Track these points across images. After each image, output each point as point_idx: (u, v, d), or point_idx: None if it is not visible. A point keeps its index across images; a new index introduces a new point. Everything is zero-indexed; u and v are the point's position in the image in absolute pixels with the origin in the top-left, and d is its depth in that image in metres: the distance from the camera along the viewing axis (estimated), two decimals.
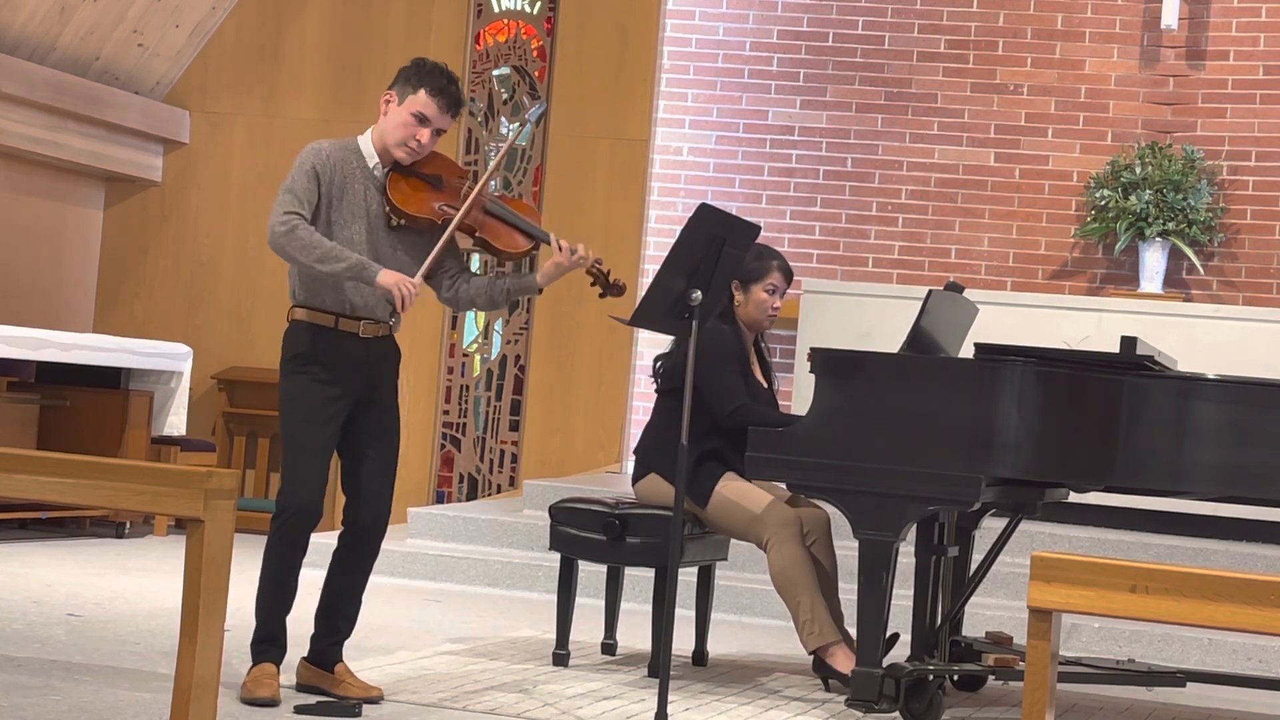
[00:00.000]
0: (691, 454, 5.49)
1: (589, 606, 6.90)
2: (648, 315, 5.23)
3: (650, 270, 9.84)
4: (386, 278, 4.97)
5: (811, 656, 5.92)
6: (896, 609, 5.71)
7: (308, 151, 5.09)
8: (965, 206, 10.09)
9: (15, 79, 9.32)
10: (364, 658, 5.72)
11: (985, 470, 5.35)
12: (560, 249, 5.24)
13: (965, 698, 6.03)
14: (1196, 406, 5.24)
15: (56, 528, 9.13)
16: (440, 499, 10.23)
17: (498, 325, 10.32)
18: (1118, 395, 5.27)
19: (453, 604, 7.59)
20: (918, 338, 5.61)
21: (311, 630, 5.22)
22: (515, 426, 10.22)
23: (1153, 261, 9.54)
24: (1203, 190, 9.52)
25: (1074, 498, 6.56)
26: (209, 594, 3.59)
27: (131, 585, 7.31)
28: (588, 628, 6.64)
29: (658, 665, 5.57)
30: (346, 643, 5.27)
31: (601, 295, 5.42)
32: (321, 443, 5.08)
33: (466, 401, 10.30)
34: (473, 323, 10.35)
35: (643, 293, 5.32)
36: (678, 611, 5.39)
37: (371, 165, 5.17)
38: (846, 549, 5.91)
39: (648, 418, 6.38)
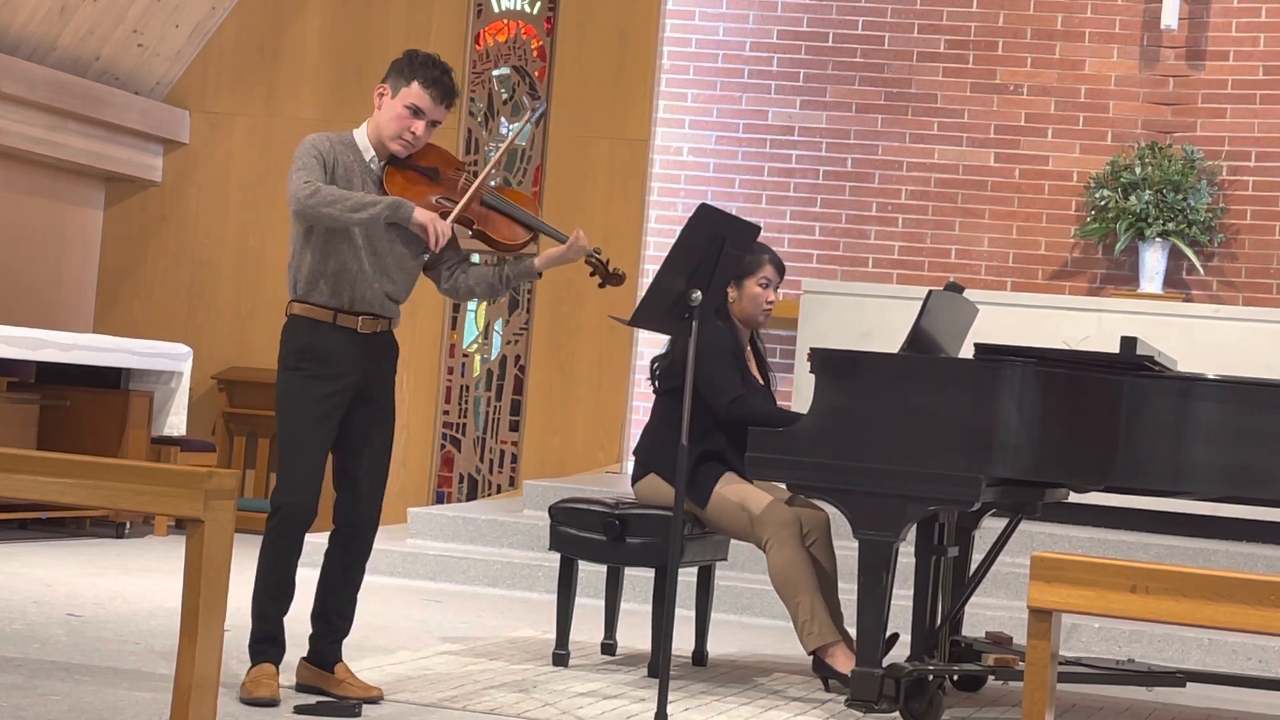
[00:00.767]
0: (691, 454, 5.49)
1: (589, 606, 6.90)
2: (648, 315, 5.23)
3: (650, 270, 9.84)
4: (422, 213, 5.02)
5: (811, 657, 5.92)
6: (896, 609, 5.71)
7: (308, 142, 5.10)
8: (965, 207, 10.10)
9: (15, 79, 9.32)
10: (364, 658, 5.72)
11: (985, 470, 5.35)
12: (567, 240, 5.26)
13: (965, 698, 6.03)
14: (1196, 406, 5.24)
15: (56, 528, 9.13)
16: (440, 499, 10.23)
17: (498, 325, 10.32)
18: (1118, 395, 5.27)
19: (453, 604, 7.59)
20: (918, 338, 5.61)
21: (310, 630, 5.22)
22: (515, 426, 10.22)
23: (1153, 262, 9.54)
24: (1203, 190, 9.52)
25: (1074, 498, 6.56)
26: (209, 594, 3.59)
27: (131, 585, 7.31)
28: (588, 628, 6.64)
29: (658, 665, 5.57)
30: (346, 643, 5.26)
31: (601, 285, 5.42)
32: (317, 441, 5.08)
33: (466, 402, 10.30)
34: (473, 323, 10.35)
35: (642, 293, 5.32)
36: (678, 611, 5.39)
37: (368, 159, 5.17)
38: (846, 549, 5.91)
39: (647, 418, 6.37)
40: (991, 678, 5.92)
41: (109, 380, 9.23)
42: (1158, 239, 9.48)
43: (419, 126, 5.13)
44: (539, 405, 10.19)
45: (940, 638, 5.71)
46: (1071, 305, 8.97)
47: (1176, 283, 9.72)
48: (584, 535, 6.08)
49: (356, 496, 5.17)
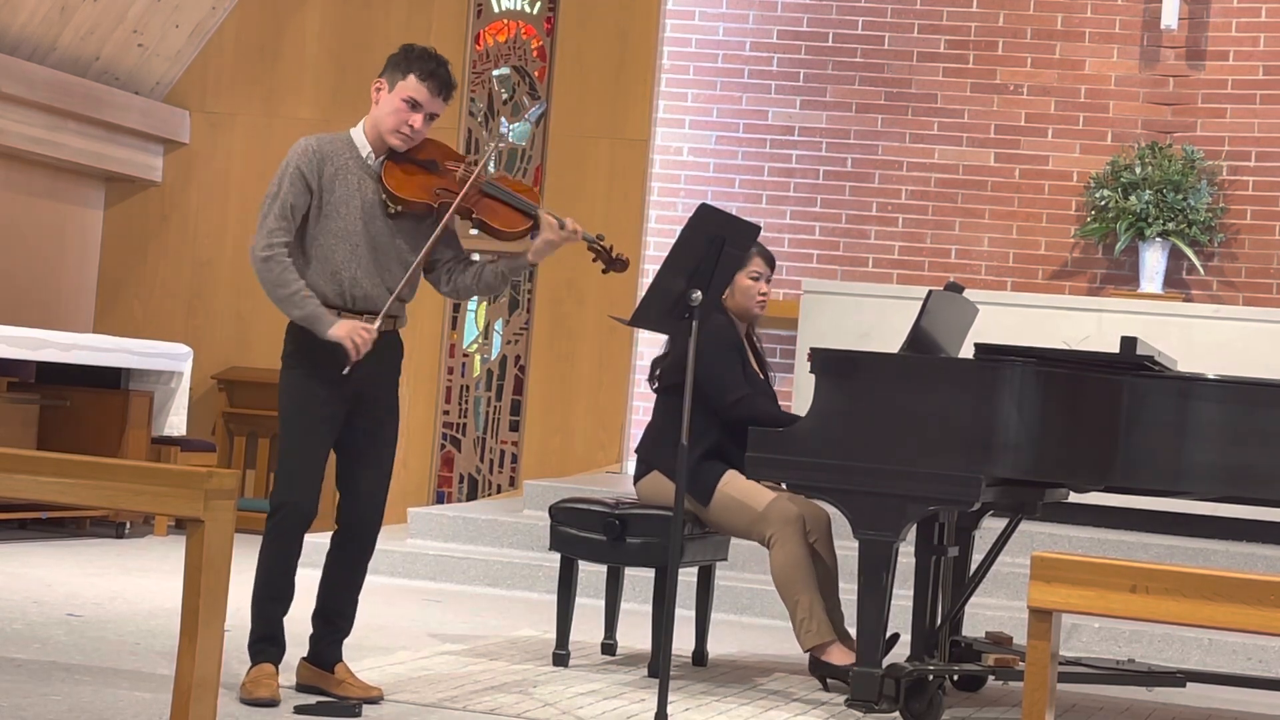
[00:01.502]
0: (693, 452, 5.49)
1: (589, 606, 6.90)
2: (648, 315, 5.23)
3: (650, 270, 9.84)
4: (339, 329, 4.99)
5: (808, 656, 5.92)
6: (896, 609, 5.71)
7: (293, 152, 5.09)
8: (965, 206, 10.09)
9: (15, 79, 9.32)
10: (364, 658, 5.72)
11: (985, 470, 5.35)
12: (544, 223, 5.23)
13: (965, 698, 6.03)
14: (1196, 406, 5.24)
15: (56, 528, 9.13)
16: (440, 499, 10.23)
17: (498, 325, 10.32)
18: (1118, 395, 5.27)
19: (453, 604, 7.59)
20: (918, 338, 5.61)
21: (310, 631, 5.22)
22: (515, 426, 10.22)
23: (1153, 261, 9.54)
24: (1203, 190, 9.52)
25: (1074, 498, 6.56)
26: (209, 594, 3.59)
27: (131, 585, 7.31)
28: (588, 628, 6.64)
29: (658, 665, 5.57)
30: (346, 643, 5.26)
31: (605, 270, 5.41)
32: (318, 440, 5.08)
33: (466, 402, 10.30)
34: (473, 323, 10.35)
35: (643, 293, 5.31)
36: (678, 611, 5.39)
37: (365, 155, 5.15)
38: (846, 549, 5.91)
39: (648, 418, 6.37)
40: (991, 678, 5.92)
41: (109, 380, 9.23)
42: (1158, 239, 9.48)
43: (417, 120, 5.12)
44: (539, 405, 10.19)
45: (940, 638, 5.71)
46: (1071, 305, 8.97)
47: (1176, 283, 9.72)
48: (584, 535, 6.08)
49: (359, 497, 5.17)
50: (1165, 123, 9.90)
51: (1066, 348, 7.19)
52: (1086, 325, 8.71)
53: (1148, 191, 9.46)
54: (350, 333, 4.99)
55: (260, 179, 10.40)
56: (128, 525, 9.20)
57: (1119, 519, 8.30)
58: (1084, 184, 9.87)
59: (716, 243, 5.13)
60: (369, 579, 5.41)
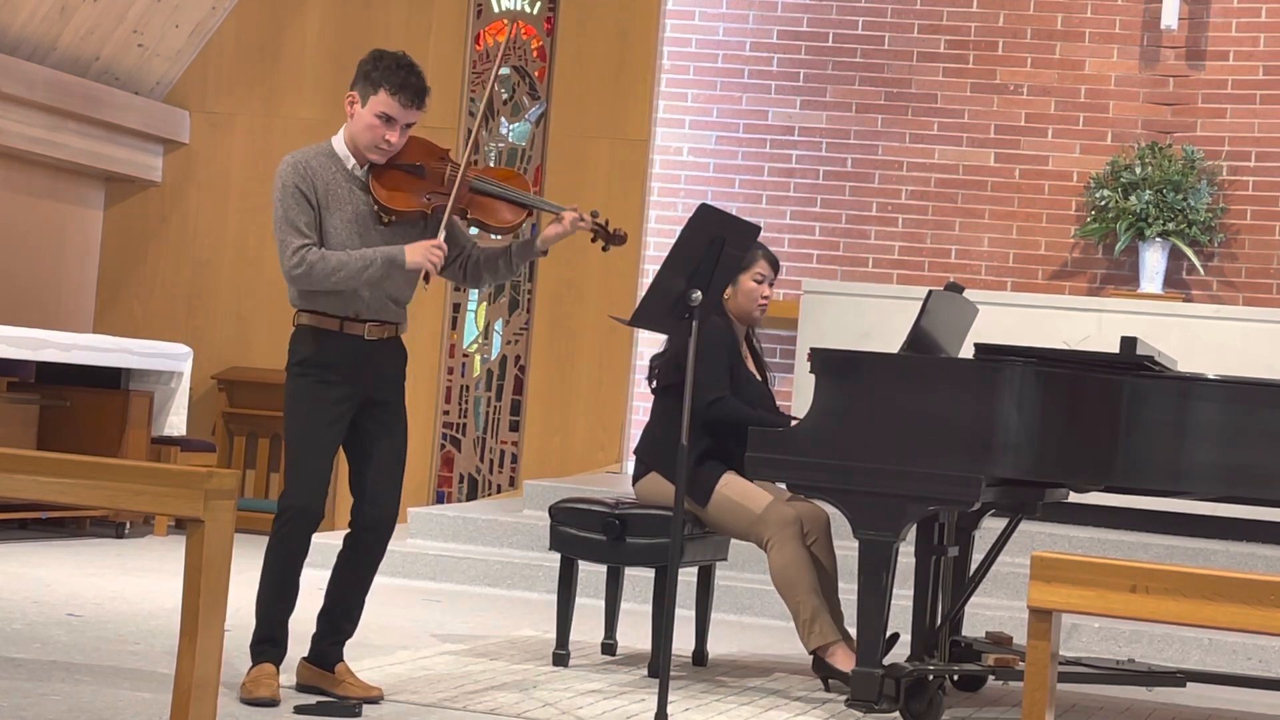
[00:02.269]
0: (692, 453, 5.49)
1: (589, 606, 6.90)
2: (648, 315, 5.23)
3: (650, 270, 9.84)
4: (413, 255, 5.01)
5: (812, 656, 5.92)
6: (896, 609, 5.71)
7: (285, 172, 5.03)
8: (965, 207, 10.09)
9: (15, 79, 9.32)
10: (364, 658, 5.72)
11: (985, 470, 5.35)
12: (557, 216, 5.25)
13: (965, 698, 6.03)
14: (1196, 406, 5.24)
15: (56, 528, 9.13)
16: (440, 499, 10.23)
17: (498, 325, 10.32)
18: (1118, 395, 5.27)
19: (453, 604, 7.59)
20: (918, 338, 5.61)
21: (313, 630, 5.22)
22: (515, 426, 10.22)
23: (1153, 262, 9.54)
24: (1203, 190, 9.52)
25: (1074, 498, 6.56)
26: (209, 594, 3.59)
27: (131, 585, 7.31)
28: (588, 628, 6.64)
29: (658, 665, 5.57)
30: (347, 642, 5.27)
31: (605, 248, 5.41)
32: (325, 445, 5.08)
33: (466, 401, 10.30)
34: (473, 323, 10.35)
35: (643, 293, 5.31)
36: (678, 611, 5.39)
37: (350, 167, 5.13)
38: (846, 549, 5.91)
39: (648, 418, 6.37)
40: (991, 678, 5.93)
41: (109, 380, 9.23)
42: (1158, 239, 9.48)
43: (393, 135, 5.08)
44: (539, 405, 10.19)
45: (940, 638, 5.71)
46: (1071, 305, 8.97)
47: (1176, 283, 9.72)
48: (584, 535, 6.08)
49: (370, 501, 5.17)
50: (1165, 123, 9.90)
51: (1066, 348, 7.20)
52: (1086, 325, 8.71)
53: (1148, 191, 9.46)
54: (425, 251, 5.01)
55: (260, 179, 10.41)
56: (128, 525, 9.20)
57: (1119, 519, 8.30)
58: (1084, 184, 9.87)
59: (716, 243, 5.14)
60: None
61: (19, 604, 6.50)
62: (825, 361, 5.53)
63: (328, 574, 5.27)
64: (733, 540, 6.32)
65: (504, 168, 5.57)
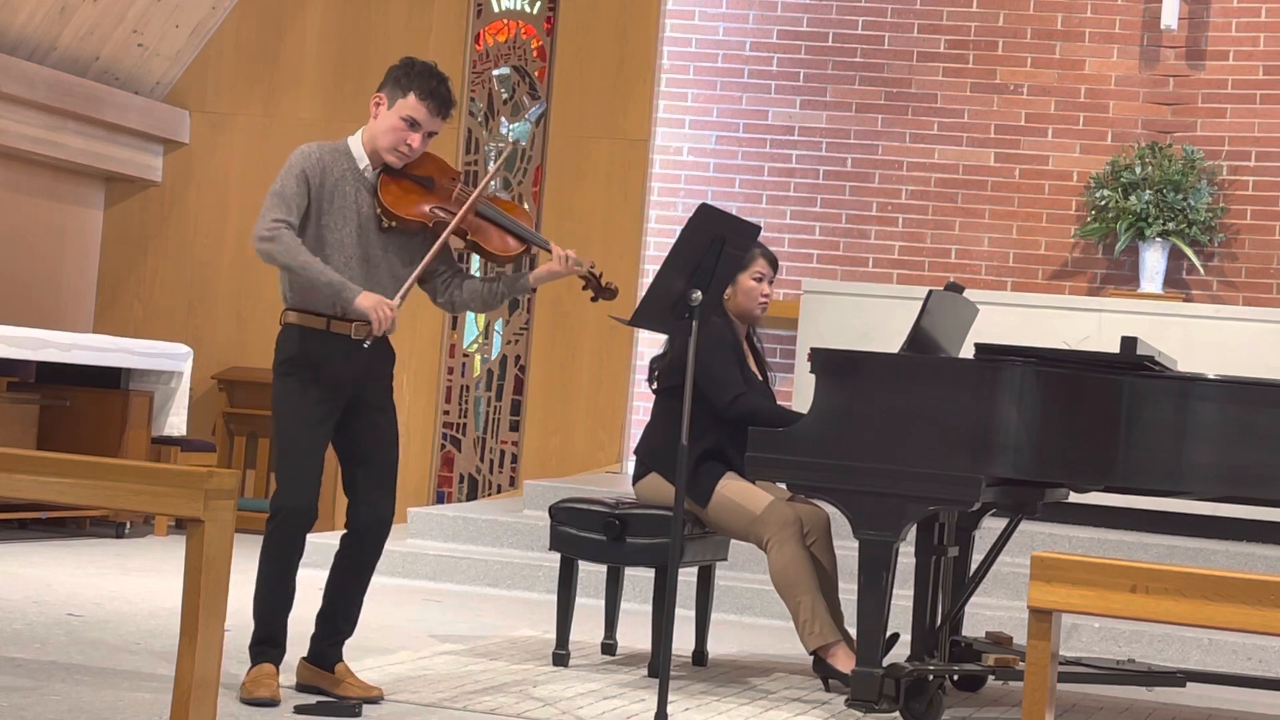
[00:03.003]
0: (692, 453, 5.49)
1: (589, 606, 6.90)
2: (648, 315, 5.23)
3: (650, 270, 9.84)
4: (365, 300, 4.97)
5: (812, 657, 5.92)
6: (896, 609, 5.71)
7: (297, 155, 5.06)
8: (965, 206, 10.10)
9: (15, 79, 9.32)
10: (364, 658, 5.72)
11: (985, 470, 5.35)
12: (555, 255, 5.24)
13: (965, 698, 6.03)
14: (1196, 406, 5.24)
15: (56, 528, 9.13)
16: (440, 499, 10.23)
17: (498, 325, 10.32)
18: (1118, 395, 5.27)
19: (453, 604, 7.59)
20: (918, 338, 5.61)
21: (312, 630, 5.22)
22: (515, 426, 10.22)
23: (1153, 261, 9.54)
24: (1203, 190, 9.52)
25: (1074, 498, 6.56)
26: (209, 594, 3.59)
27: (131, 585, 7.31)
28: (588, 628, 6.64)
29: (658, 665, 5.57)
30: (346, 643, 5.27)
31: (594, 299, 5.41)
32: (314, 443, 5.08)
33: (466, 401, 10.30)
34: (473, 323, 10.35)
35: (643, 293, 5.31)
36: (678, 611, 5.39)
37: (362, 167, 5.13)
38: (846, 549, 5.91)
39: (648, 418, 6.37)
40: (991, 678, 5.93)
41: (109, 380, 9.23)
42: (1158, 239, 9.48)
43: (415, 139, 5.09)
44: (539, 405, 10.19)
45: (940, 638, 5.71)
46: (1071, 305, 8.97)
47: (1176, 283, 9.72)
48: (584, 535, 6.08)
49: (366, 503, 5.17)
50: (1165, 123, 9.90)
51: (1066, 348, 7.20)
52: (1086, 325, 8.71)
53: (1148, 191, 9.46)
54: (376, 304, 4.96)
55: (260, 179, 10.40)
56: (128, 525, 9.20)
57: (1119, 519, 8.30)
58: (1084, 184, 9.87)
59: (717, 243, 5.14)
60: None
61: (19, 604, 6.50)
62: (825, 361, 5.53)
63: (326, 574, 5.27)
64: (733, 540, 6.32)
65: (513, 202, 5.56)
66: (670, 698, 5.17)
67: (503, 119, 10.37)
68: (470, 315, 10.30)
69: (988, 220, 10.07)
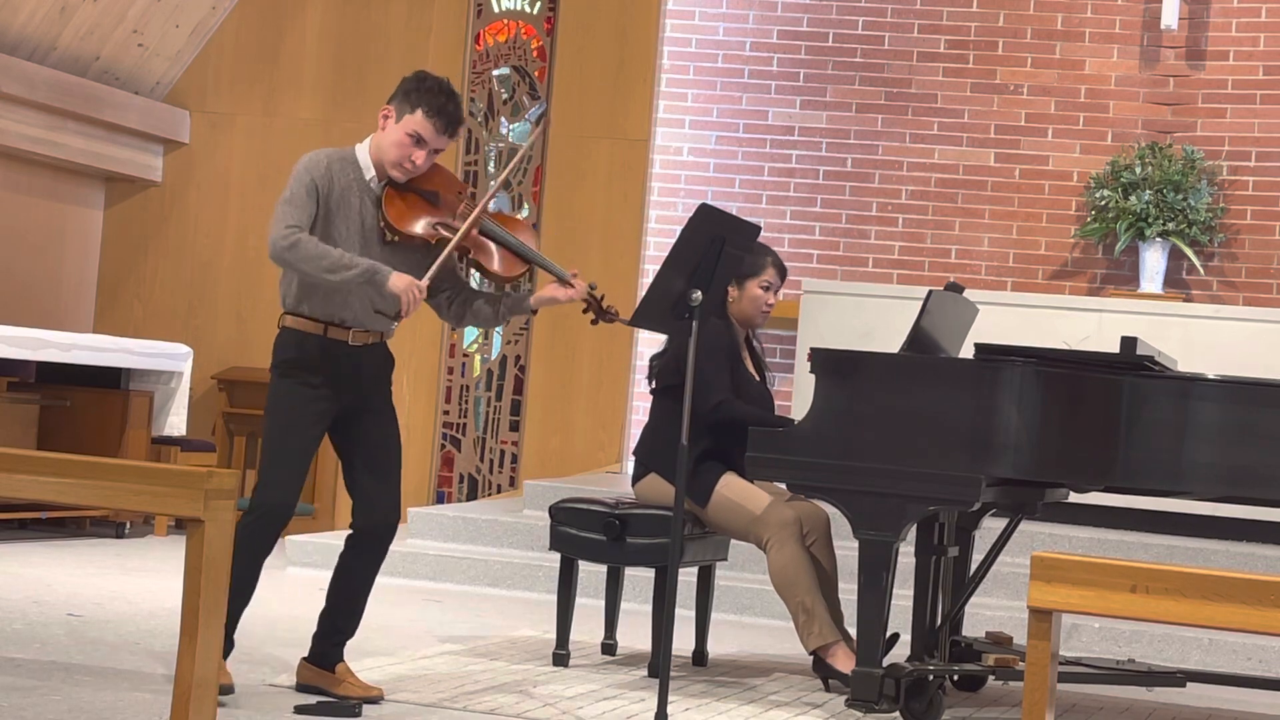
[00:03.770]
0: (691, 453, 5.49)
1: (589, 606, 6.90)
2: (648, 315, 5.23)
3: (650, 270, 9.84)
4: (398, 282, 4.94)
5: (812, 657, 5.93)
6: (896, 609, 5.71)
7: (306, 163, 5.05)
8: (965, 206, 10.10)
9: (15, 79, 9.32)
10: (364, 658, 5.72)
11: (985, 470, 5.35)
12: (558, 282, 5.23)
13: (965, 698, 6.03)
14: (1196, 406, 5.24)
15: (56, 528, 9.13)
16: (440, 499, 10.23)
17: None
18: (1118, 395, 5.27)
19: (453, 604, 7.59)
20: (918, 338, 5.61)
21: (314, 629, 5.22)
22: (515, 426, 10.22)
23: (1153, 262, 9.54)
24: (1203, 190, 9.52)
25: (1074, 498, 6.56)
26: (209, 594, 3.59)
27: (131, 585, 7.31)
28: (588, 628, 6.64)
29: (658, 665, 5.57)
30: (348, 643, 5.26)
31: (594, 322, 5.41)
32: (301, 445, 5.06)
33: (466, 401, 10.30)
34: None
35: (643, 293, 5.31)
36: (678, 611, 5.39)
37: (368, 178, 5.12)
38: (846, 549, 5.91)
39: (647, 418, 6.37)
40: (991, 678, 5.93)
41: (109, 380, 9.23)
42: (1158, 239, 9.48)
43: (420, 156, 5.08)
44: (539, 405, 10.19)
45: (940, 638, 5.71)
46: (1071, 305, 8.97)
47: (1176, 283, 9.72)
48: (584, 535, 6.08)
49: (371, 506, 5.16)
50: (1165, 123, 9.90)
51: (1066, 348, 7.20)
52: (1086, 325, 8.71)
53: (1148, 191, 9.46)
54: (409, 285, 4.94)
55: (260, 179, 10.41)
56: (128, 525, 9.20)
57: (1119, 519, 8.30)
58: (1084, 184, 9.87)
59: (716, 243, 5.14)
60: None
61: (19, 604, 6.50)
62: (825, 361, 5.53)
63: (329, 574, 5.27)
64: (733, 540, 6.32)
65: (518, 219, 5.54)
66: (670, 698, 5.17)
67: (503, 119, 10.38)
68: None
69: (988, 220, 10.07)
